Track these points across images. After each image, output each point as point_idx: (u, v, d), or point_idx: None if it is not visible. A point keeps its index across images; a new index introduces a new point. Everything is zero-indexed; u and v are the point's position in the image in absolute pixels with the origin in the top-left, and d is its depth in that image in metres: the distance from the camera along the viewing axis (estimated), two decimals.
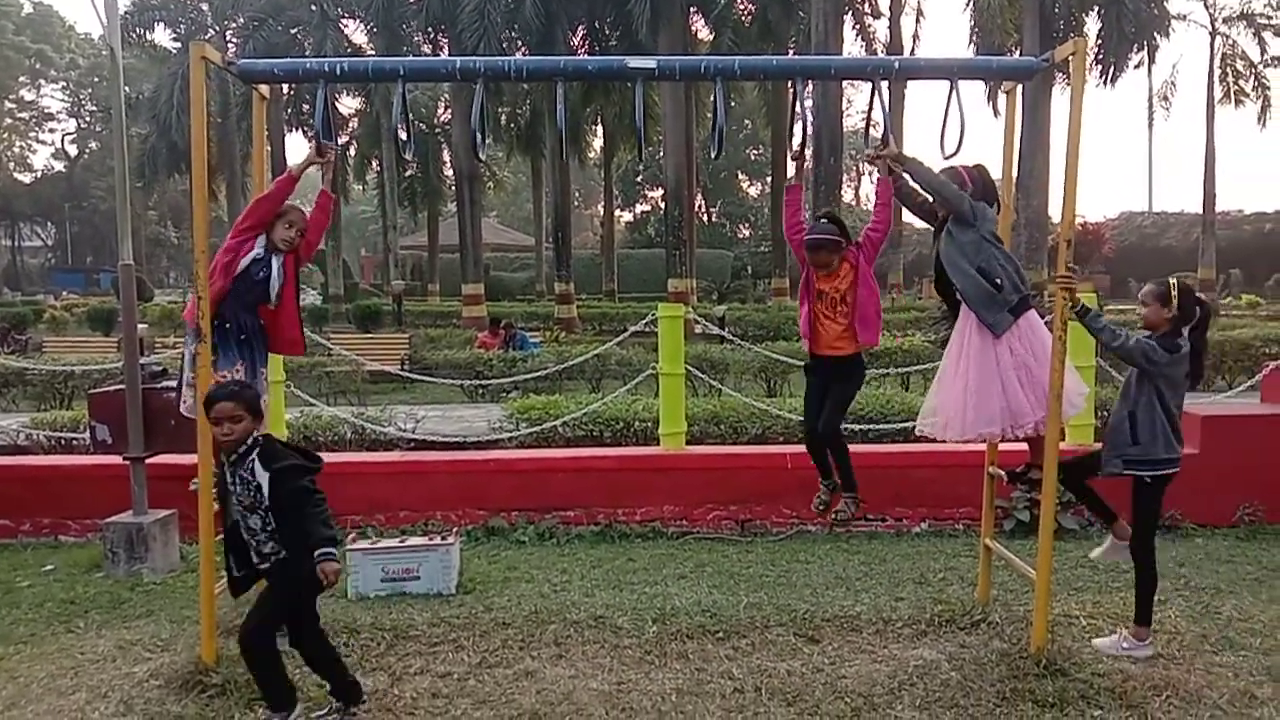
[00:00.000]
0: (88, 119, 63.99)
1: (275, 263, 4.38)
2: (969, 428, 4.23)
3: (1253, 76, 35.20)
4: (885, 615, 4.88)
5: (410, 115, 4.12)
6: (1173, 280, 4.38)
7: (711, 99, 24.74)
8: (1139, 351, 4.20)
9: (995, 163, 4.79)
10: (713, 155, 4.58)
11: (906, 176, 4.31)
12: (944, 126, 4.28)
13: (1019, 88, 4.83)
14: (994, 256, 4.20)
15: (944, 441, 4.47)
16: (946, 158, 4.29)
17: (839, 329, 4.47)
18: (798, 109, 4.28)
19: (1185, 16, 35.51)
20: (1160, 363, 4.21)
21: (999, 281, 4.16)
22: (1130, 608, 4.92)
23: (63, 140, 67.14)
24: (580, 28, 26.81)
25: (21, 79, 62.58)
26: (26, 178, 67.24)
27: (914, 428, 7.98)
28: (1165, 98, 38.52)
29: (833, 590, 5.36)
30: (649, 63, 4.03)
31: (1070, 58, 3.94)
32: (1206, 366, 4.86)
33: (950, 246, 4.27)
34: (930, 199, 4.38)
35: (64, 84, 64.48)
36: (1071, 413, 4.29)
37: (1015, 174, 5.02)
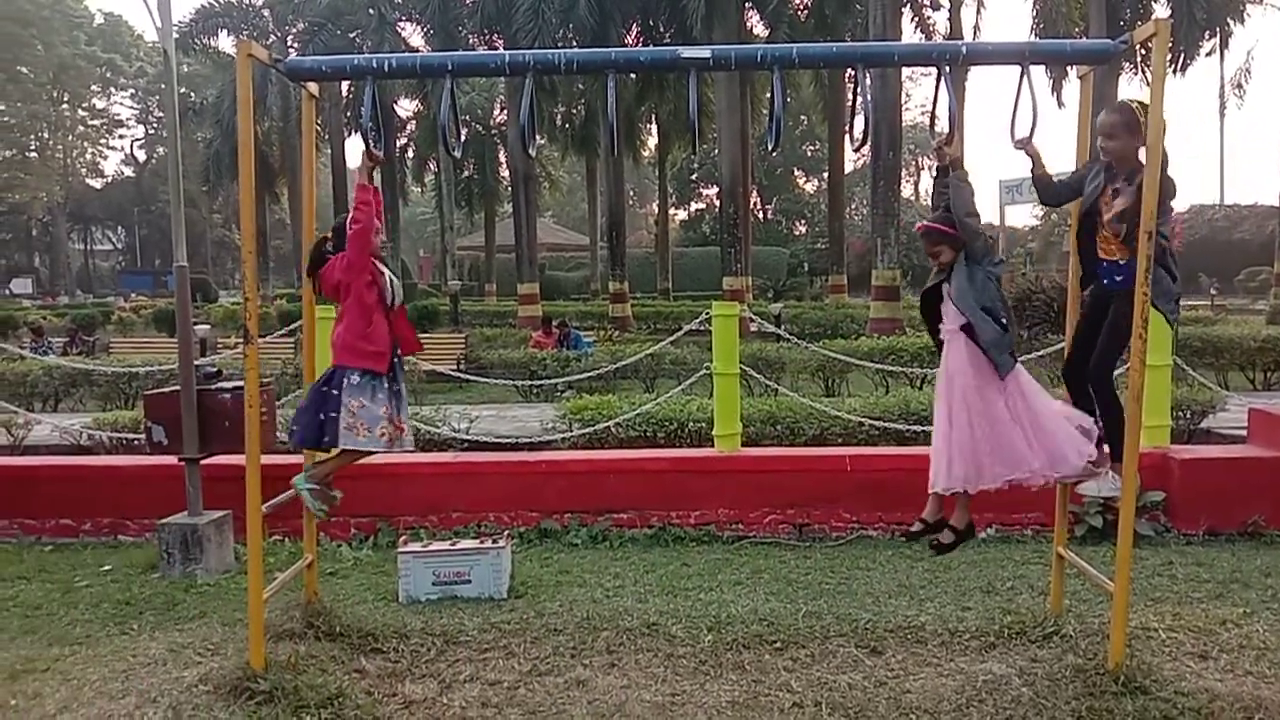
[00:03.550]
0: (155, 125, 65.75)
1: (384, 272, 4.38)
2: (995, 475, 4.00)
3: None
4: (951, 626, 4.67)
5: (461, 114, 4.02)
6: (1136, 103, 3.99)
7: (767, 94, 24.41)
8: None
9: (1059, 154, 4.56)
10: (770, 148, 4.42)
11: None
12: (1014, 114, 4.06)
13: (1092, 74, 4.59)
14: (996, 296, 4.07)
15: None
16: (1017, 146, 4.07)
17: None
18: (859, 101, 4.09)
19: (1262, 1, 34.19)
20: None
21: (1004, 322, 4.03)
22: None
23: (131, 146, 69.20)
24: (634, 26, 26.72)
25: (94, 87, 64.52)
26: (98, 183, 69.31)
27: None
28: (1240, 85, 37.12)
29: (895, 599, 5.15)
30: (703, 52, 3.88)
31: (1151, 40, 3.69)
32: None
33: (962, 280, 4.08)
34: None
35: (133, 91, 66.42)
36: (1066, 471, 4.03)
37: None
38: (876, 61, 4.13)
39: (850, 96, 40.02)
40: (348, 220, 4.26)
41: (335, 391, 4.21)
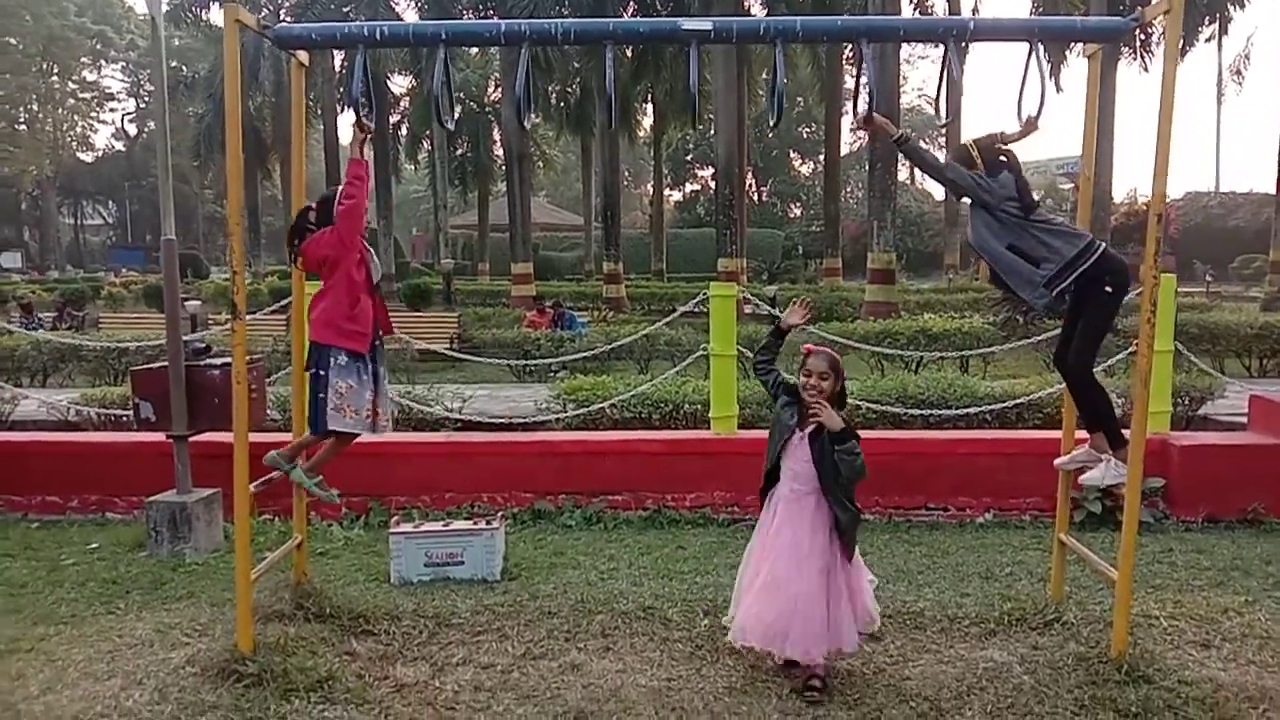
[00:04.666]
0: (146, 99, 65.11)
1: (369, 250, 4.31)
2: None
3: None
4: (950, 612, 4.62)
5: (455, 91, 3.91)
6: (968, 141, 4.10)
7: (764, 75, 24.37)
8: (972, 182, 3.94)
9: (1062, 137, 4.47)
10: (772, 124, 4.34)
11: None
12: (1021, 92, 3.96)
13: (1100, 53, 4.49)
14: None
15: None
16: (1025, 127, 3.98)
17: None
18: (863, 77, 3.99)
19: None
20: (993, 189, 3.93)
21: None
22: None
23: (123, 120, 68.56)
24: (631, 4, 26.46)
25: (84, 60, 63.82)
26: (88, 157, 68.72)
27: (977, 413, 7.74)
28: (1238, 71, 37.04)
29: (894, 584, 5.09)
30: (704, 24, 3.77)
31: (1164, 17, 3.59)
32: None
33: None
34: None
35: (124, 64, 65.73)
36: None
37: (1095, 146, 4.67)
38: (881, 35, 4.02)
39: (851, 77, 39.93)
40: (339, 194, 4.15)
41: (323, 373, 4.12)
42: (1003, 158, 4.03)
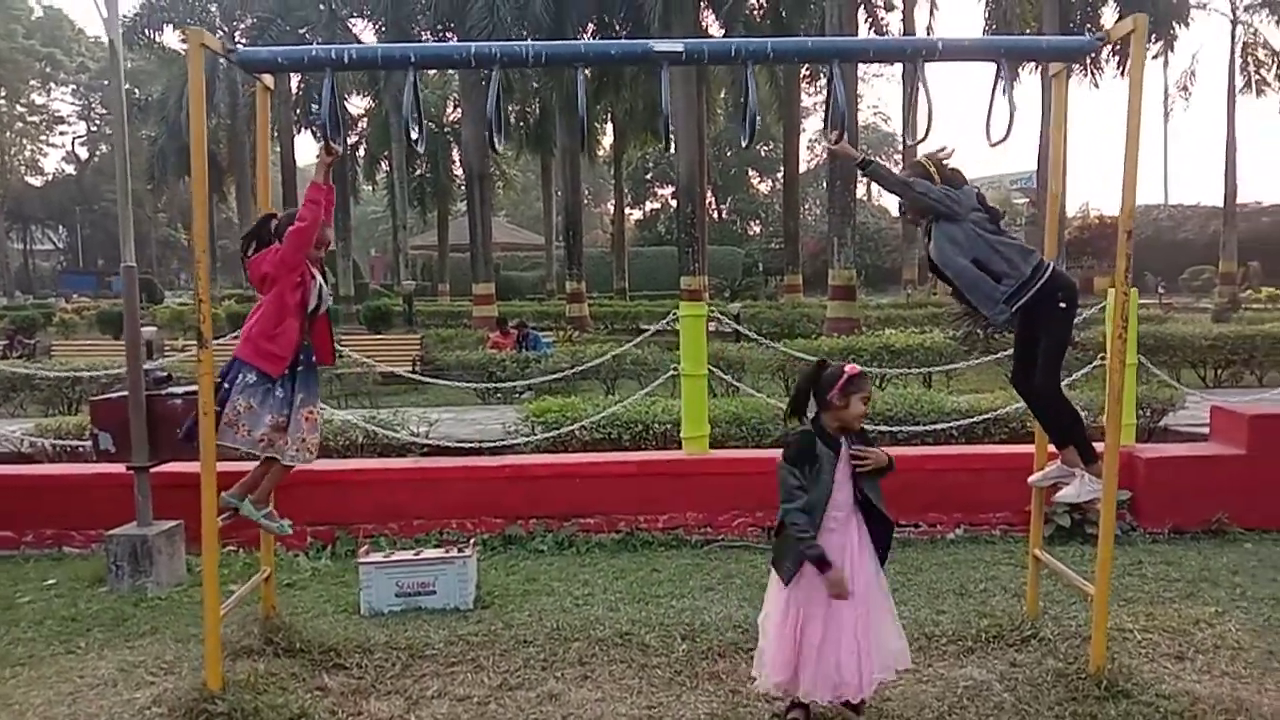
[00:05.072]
0: (98, 122, 64.10)
1: (315, 277, 4.21)
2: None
3: (1275, 65, 34.61)
4: (927, 630, 4.61)
5: (413, 111, 3.85)
6: (923, 158, 4.12)
7: (723, 94, 24.46)
8: (941, 194, 3.92)
9: (1015, 152, 4.53)
10: (744, 144, 4.32)
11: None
12: (989, 112, 4.01)
13: (1065, 73, 4.56)
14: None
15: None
16: (993, 145, 4.02)
17: None
18: (835, 96, 3.99)
19: (1205, 5, 34.94)
20: (961, 200, 3.94)
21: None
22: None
23: (73, 143, 67.34)
24: (590, 24, 26.55)
25: (32, 82, 62.72)
26: (37, 181, 67.41)
27: (944, 429, 7.79)
28: (1185, 88, 38.00)
29: None
30: (675, 46, 3.77)
31: (1130, 35, 3.65)
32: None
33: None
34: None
35: (74, 87, 64.64)
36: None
37: (1062, 163, 4.73)
38: (851, 56, 4.07)
39: (809, 95, 40.27)
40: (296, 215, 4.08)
41: (227, 386, 4.04)
42: (953, 171, 4.07)
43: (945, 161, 4.09)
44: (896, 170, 4.26)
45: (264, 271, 4.08)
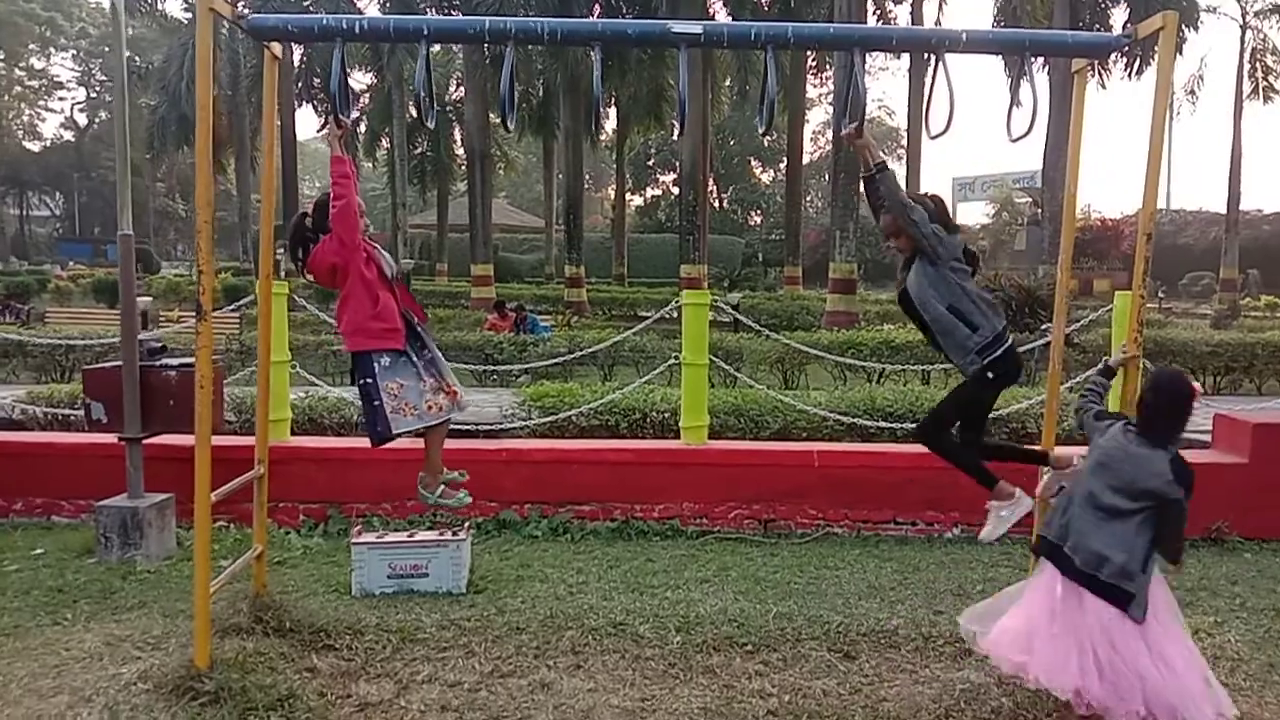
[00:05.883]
0: (97, 89, 63.65)
1: (376, 246, 4.20)
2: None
3: None
4: (925, 631, 4.56)
5: (415, 87, 3.77)
6: (936, 196, 4.12)
7: (728, 81, 24.32)
8: (931, 232, 3.86)
9: (1019, 151, 4.47)
10: (761, 131, 4.25)
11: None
12: (1011, 107, 3.94)
13: (1088, 69, 4.48)
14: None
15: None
16: (1014, 141, 3.95)
17: None
18: (857, 86, 3.90)
19: (1215, 9, 34.86)
20: (948, 244, 3.90)
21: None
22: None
23: (72, 109, 66.90)
24: (597, 6, 26.36)
25: (31, 46, 62.22)
26: (35, 146, 66.98)
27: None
28: (1192, 92, 37.86)
29: (866, 601, 5.03)
30: (694, 28, 3.68)
31: (1159, 33, 3.58)
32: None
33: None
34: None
35: (74, 52, 64.12)
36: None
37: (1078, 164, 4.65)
38: (874, 45, 3.98)
39: (814, 86, 40.01)
40: (330, 197, 4.01)
41: (370, 380, 4.00)
42: (949, 219, 4.03)
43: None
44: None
45: (330, 263, 4.05)
